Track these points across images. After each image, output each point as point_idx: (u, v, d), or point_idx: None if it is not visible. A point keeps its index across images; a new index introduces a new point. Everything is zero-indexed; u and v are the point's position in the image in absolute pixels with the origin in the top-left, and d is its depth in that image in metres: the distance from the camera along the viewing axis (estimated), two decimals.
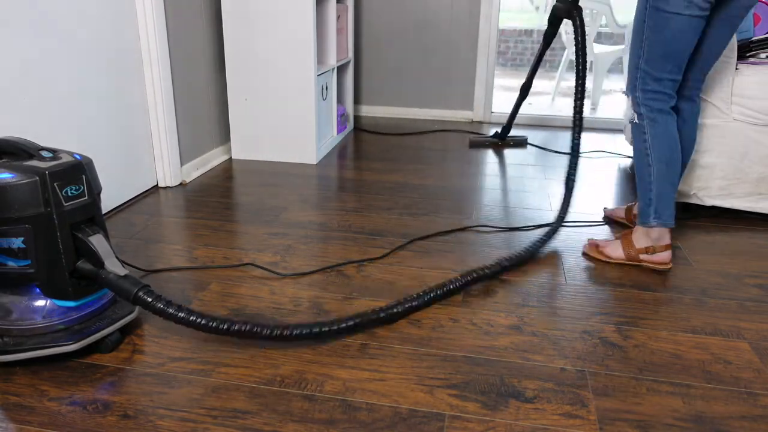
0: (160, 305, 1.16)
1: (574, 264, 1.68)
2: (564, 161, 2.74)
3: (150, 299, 1.16)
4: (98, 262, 1.19)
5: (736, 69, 1.89)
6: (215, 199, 2.16)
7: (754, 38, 2.08)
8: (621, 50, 4.35)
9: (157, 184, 2.29)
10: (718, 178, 1.97)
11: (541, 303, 1.47)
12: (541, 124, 3.53)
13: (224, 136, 2.70)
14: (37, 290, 1.18)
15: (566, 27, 4.38)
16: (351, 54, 3.18)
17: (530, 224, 1.97)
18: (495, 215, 2.05)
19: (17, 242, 1.15)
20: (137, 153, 2.15)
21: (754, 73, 1.88)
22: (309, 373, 1.18)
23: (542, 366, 1.22)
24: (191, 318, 1.16)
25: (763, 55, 2.07)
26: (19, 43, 1.59)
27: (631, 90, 1.64)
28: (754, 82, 1.87)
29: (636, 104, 1.63)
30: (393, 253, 1.72)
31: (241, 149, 2.66)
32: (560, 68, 4.64)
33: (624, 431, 1.04)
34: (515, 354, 1.26)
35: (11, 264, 1.16)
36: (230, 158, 2.68)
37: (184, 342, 1.27)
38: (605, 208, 2.10)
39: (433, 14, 3.43)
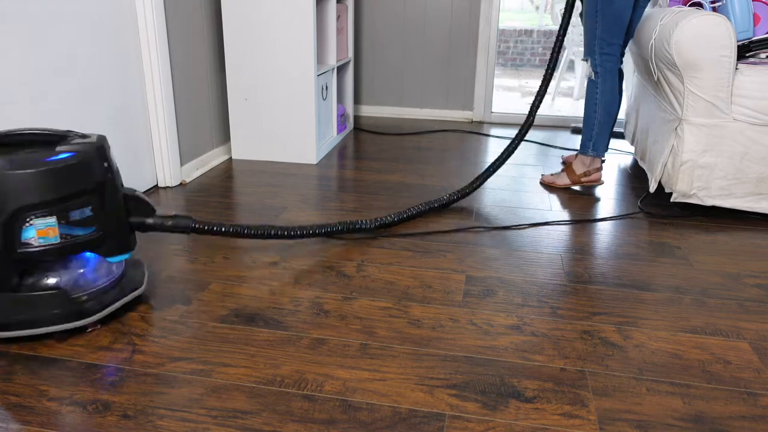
0: (214, 228, 1.47)
1: (574, 264, 1.68)
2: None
3: (204, 227, 1.46)
4: (151, 210, 1.41)
5: (736, 69, 1.89)
6: (215, 199, 2.16)
7: (754, 38, 2.08)
8: None
9: (157, 184, 2.29)
10: (718, 178, 1.97)
11: (541, 303, 1.47)
12: (542, 123, 3.53)
13: (224, 136, 2.70)
14: (89, 256, 1.32)
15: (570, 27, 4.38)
16: (351, 54, 3.18)
17: (529, 223, 1.97)
18: (495, 215, 2.05)
19: (87, 211, 1.26)
20: (137, 153, 2.15)
21: (754, 73, 1.88)
22: (309, 373, 1.18)
23: (542, 366, 1.22)
24: (236, 230, 1.50)
25: (763, 55, 2.07)
26: (18, 42, 1.59)
27: (590, 54, 2.16)
28: (754, 82, 1.87)
29: (594, 65, 2.16)
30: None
31: (241, 149, 2.66)
32: (560, 68, 4.64)
33: (624, 431, 1.04)
34: (515, 354, 1.26)
35: (81, 233, 1.26)
36: (230, 158, 2.68)
37: (184, 342, 1.27)
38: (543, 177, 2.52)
39: (433, 14, 3.44)
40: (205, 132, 2.53)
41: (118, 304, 1.34)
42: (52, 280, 1.27)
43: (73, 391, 1.11)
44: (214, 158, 2.60)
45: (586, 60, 2.20)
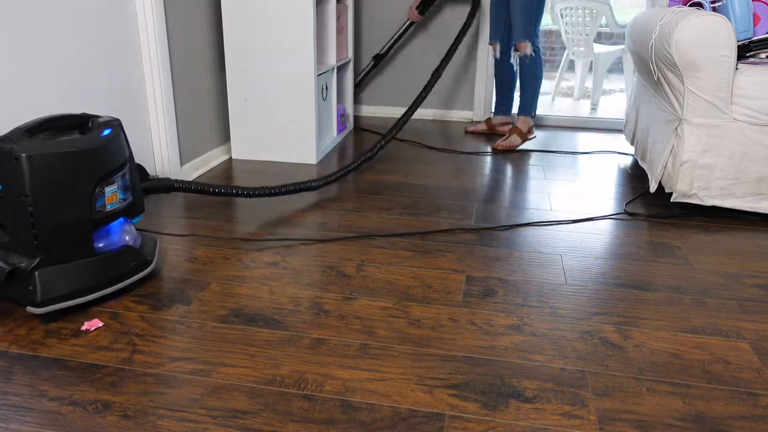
0: (192, 186, 1.75)
1: (574, 264, 1.68)
2: (563, 160, 2.74)
3: (185, 185, 1.73)
4: (147, 174, 1.62)
5: (736, 69, 1.89)
6: (215, 198, 2.16)
7: (754, 38, 2.08)
8: (621, 50, 4.35)
9: None
10: (718, 178, 1.97)
11: (541, 303, 1.47)
12: (541, 124, 3.53)
13: (224, 136, 2.70)
14: (123, 220, 1.47)
15: (567, 27, 4.38)
16: (351, 54, 3.18)
17: (521, 223, 1.97)
18: (495, 215, 2.05)
19: (127, 178, 1.43)
20: (137, 153, 2.15)
21: (754, 73, 1.88)
22: (309, 373, 1.18)
23: (542, 366, 1.22)
24: (215, 189, 1.80)
25: (763, 55, 2.07)
26: (18, 42, 1.59)
27: (529, 38, 2.73)
28: (754, 82, 1.87)
29: (534, 45, 2.75)
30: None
31: (241, 149, 2.66)
32: (560, 68, 4.64)
33: (624, 431, 1.04)
34: (515, 354, 1.26)
35: (125, 198, 1.44)
36: (230, 158, 2.68)
37: (184, 342, 1.27)
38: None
39: (433, 14, 3.43)
40: (205, 132, 2.53)
41: (157, 253, 1.57)
42: (121, 240, 1.45)
43: (73, 391, 1.11)
44: (214, 158, 2.60)
45: (522, 42, 2.75)
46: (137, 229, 1.56)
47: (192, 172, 2.42)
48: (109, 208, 1.38)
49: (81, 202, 1.32)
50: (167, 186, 1.70)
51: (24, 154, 1.23)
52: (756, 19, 2.18)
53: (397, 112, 3.64)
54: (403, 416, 1.06)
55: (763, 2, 2.17)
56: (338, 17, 2.92)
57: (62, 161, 1.28)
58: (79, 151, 1.30)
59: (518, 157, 2.79)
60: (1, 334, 1.28)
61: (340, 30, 3.00)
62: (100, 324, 1.33)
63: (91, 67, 1.87)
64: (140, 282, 1.51)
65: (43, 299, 1.29)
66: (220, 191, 1.82)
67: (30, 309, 1.29)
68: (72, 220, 1.32)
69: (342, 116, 3.08)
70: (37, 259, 1.30)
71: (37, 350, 1.23)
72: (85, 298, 1.36)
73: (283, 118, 2.58)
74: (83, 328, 1.31)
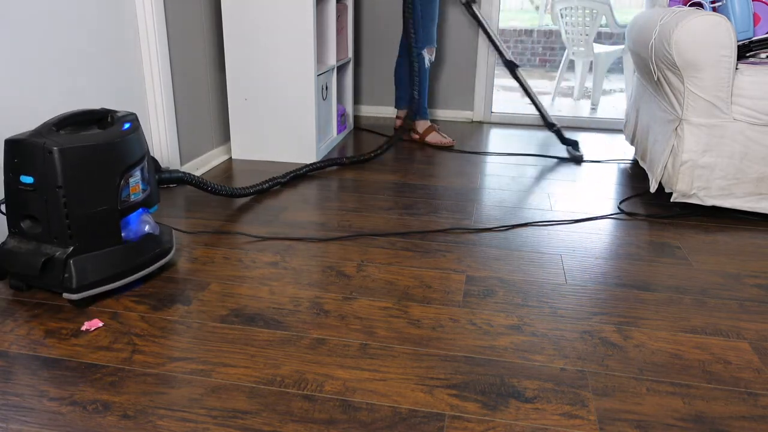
0: (197, 181, 1.86)
1: (574, 264, 1.68)
2: (563, 160, 2.74)
3: (193, 180, 1.85)
4: (159, 166, 1.73)
5: (736, 69, 1.89)
6: (215, 198, 2.16)
7: (754, 38, 2.08)
8: (621, 50, 4.35)
9: None
10: (718, 178, 1.97)
11: (541, 303, 1.47)
12: (541, 124, 3.53)
13: (224, 136, 2.70)
14: (142, 210, 1.51)
15: (567, 27, 4.38)
16: (351, 54, 3.18)
17: (518, 223, 1.97)
18: (495, 215, 2.05)
19: (146, 170, 1.49)
20: None
21: (754, 73, 1.88)
22: (309, 373, 1.18)
23: (542, 366, 1.22)
24: (219, 189, 1.96)
25: (763, 55, 2.07)
26: (18, 42, 1.60)
27: (433, 43, 2.92)
28: (754, 82, 1.87)
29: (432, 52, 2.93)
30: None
31: (241, 149, 2.66)
32: (560, 68, 4.64)
33: (624, 431, 1.04)
34: (515, 354, 1.26)
35: (145, 188, 1.50)
36: (230, 158, 2.68)
37: (184, 342, 1.27)
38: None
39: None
40: (205, 132, 2.53)
41: (174, 240, 1.65)
42: (141, 229, 1.50)
43: (73, 391, 1.11)
44: (214, 158, 2.60)
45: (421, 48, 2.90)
46: None
47: (192, 171, 2.42)
48: (133, 198, 1.46)
49: (109, 193, 1.40)
50: (178, 178, 1.80)
51: (56, 148, 1.30)
52: (756, 19, 2.18)
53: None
54: (403, 416, 1.06)
55: (763, 2, 2.17)
56: (338, 17, 2.92)
57: (91, 154, 1.35)
58: (107, 143, 1.38)
59: (518, 158, 2.79)
60: (1, 334, 1.28)
61: (340, 30, 3.00)
62: (100, 324, 1.33)
63: (91, 68, 1.87)
64: (159, 270, 1.59)
65: (78, 285, 1.36)
66: (224, 192, 1.96)
67: (66, 296, 1.36)
68: (101, 209, 1.39)
69: (342, 116, 3.08)
70: (71, 248, 1.36)
71: (37, 350, 1.23)
72: (115, 284, 1.43)
73: (283, 118, 2.58)
74: (83, 328, 1.31)
